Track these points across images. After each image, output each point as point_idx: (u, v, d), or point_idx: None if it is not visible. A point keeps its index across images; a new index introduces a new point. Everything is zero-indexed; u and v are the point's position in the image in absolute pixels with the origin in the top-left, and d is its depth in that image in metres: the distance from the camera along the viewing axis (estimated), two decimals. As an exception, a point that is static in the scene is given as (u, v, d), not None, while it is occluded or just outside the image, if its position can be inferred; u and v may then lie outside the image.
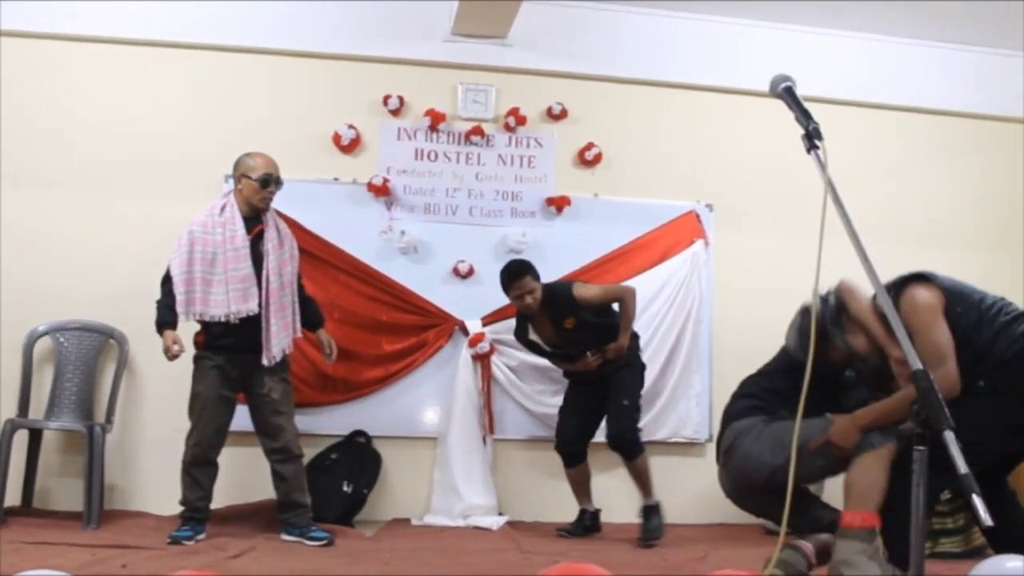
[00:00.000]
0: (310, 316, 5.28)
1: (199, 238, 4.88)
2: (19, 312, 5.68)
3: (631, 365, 5.54)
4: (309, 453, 5.82)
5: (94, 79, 6.15)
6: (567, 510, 5.69)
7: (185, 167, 6.09)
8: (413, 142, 6.41)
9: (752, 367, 6.20)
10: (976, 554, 5.22)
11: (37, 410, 5.68)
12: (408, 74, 6.45)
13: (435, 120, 6.41)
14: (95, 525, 5.25)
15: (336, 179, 6.29)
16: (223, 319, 4.83)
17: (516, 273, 5.44)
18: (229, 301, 4.82)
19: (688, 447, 6.47)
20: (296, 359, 5.87)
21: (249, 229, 4.95)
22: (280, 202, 5.99)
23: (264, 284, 4.90)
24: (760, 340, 5.96)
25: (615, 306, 5.52)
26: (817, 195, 2.45)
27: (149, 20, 6.15)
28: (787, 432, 3.50)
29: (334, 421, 6.03)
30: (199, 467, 4.94)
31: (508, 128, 6.49)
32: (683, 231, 6.61)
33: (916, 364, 2.12)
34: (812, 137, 2.49)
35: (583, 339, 5.48)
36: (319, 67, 6.39)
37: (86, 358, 5.71)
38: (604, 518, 5.76)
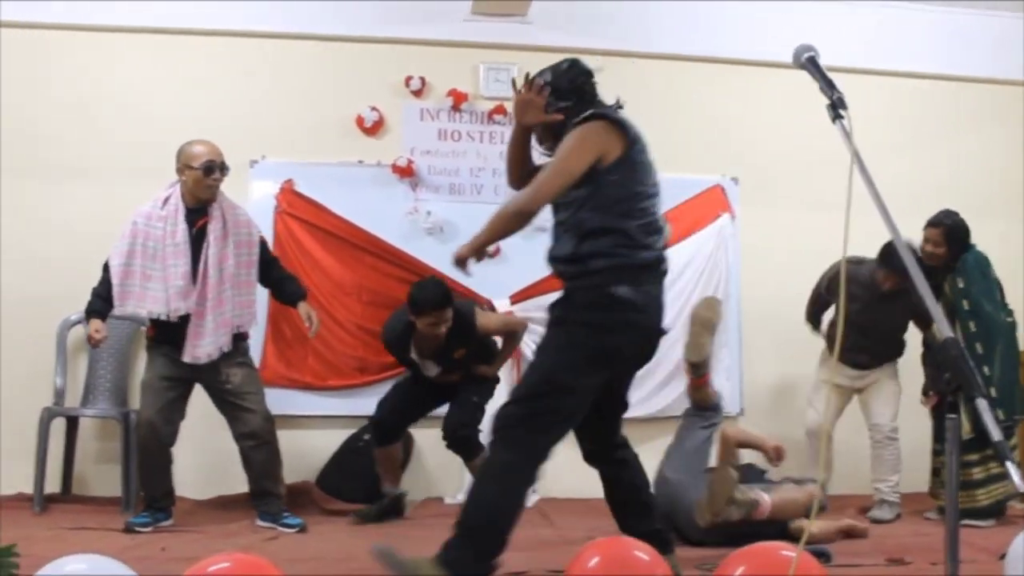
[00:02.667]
0: (286, 294, 5.12)
1: (141, 230, 4.76)
2: (52, 302, 5.72)
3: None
4: (341, 435, 5.95)
5: (121, 66, 6.19)
6: (600, 487, 5.62)
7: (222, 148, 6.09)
8: (436, 122, 6.40)
9: (780, 339, 6.28)
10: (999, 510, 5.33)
11: (73, 398, 5.76)
12: (429, 55, 6.43)
13: (457, 100, 6.40)
14: (133, 510, 5.27)
15: (360, 161, 6.29)
16: (163, 317, 4.73)
17: (441, 303, 5.02)
18: (168, 299, 4.71)
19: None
20: (325, 341, 5.95)
21: (193, 222, 4.80)
22: (306, 186, 6.14)
23: (200, 279, 4.75)
24: (788, 312, 5.99)
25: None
26: (843, 166, 2.42)
27: (170, 7, 6.15)
28: None
29: (366, 402, 5.94)
30: (145, 454, 4.85)
31: (531, 106, 6.43)
32: (709, 205, 6.59)
33: (947, 332, 2.10)
34: (837, 107, 2.47)
35: (461, 365, 5.29)
36: (340, 50, 6.38)
37: (119, 345, 5.75)
38: (579, 492, 5.63)
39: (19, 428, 5.54)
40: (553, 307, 3.33)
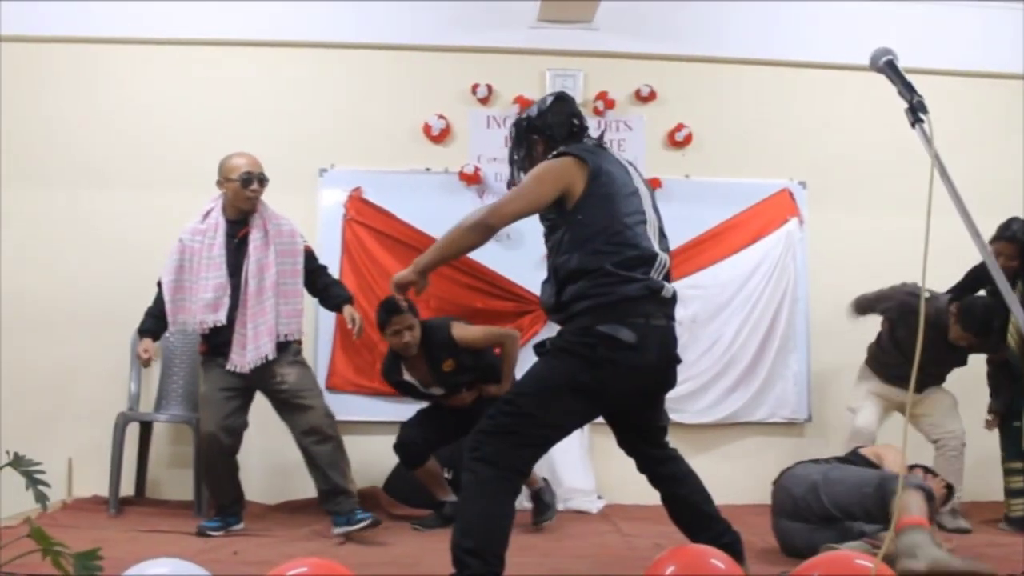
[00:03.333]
0: (332, 299, 5.05)
1: (187, 246, 4.82)
2: (126, 311, 5.65)
3: None
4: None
5: (190, 78, 6.29)
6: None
7: (280, 162, 6.08)
8: (503, 130, 6.35)
9: (849, 346, 6.18)
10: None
11: (147, 404, 5.86)
12: (495, 62, 6.45)
13: (524, 107, 6.33)
14: (204, 513, 5.34)
15: (428, 169, 6.32)
16: (191, 329, 4.87)
17: (392, 309, 5.00)
18: (196, 311, 4.76)
19: (787, 427, 6.40)
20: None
21: (235, 233, 4.83)
22: (374, 194, 6.19)
23: (242, 289, 4.76)
24: (857, 320, 5.90)
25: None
26: (913, 168, 2.41)
27: (242, 19, 6.25)
28: None
29: None
30: (209, 465, 4.88)
31: (597, 112, 6.44)
32: (776, 210, 6.52)
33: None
34: (916, 110, 2.43)
35: (463, 381, 5.24)
36: (407, 59, 6.42)
37: (191, 352, 5.79)
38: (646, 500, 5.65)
39: (96, 433, 5.62)
40: (542, 342, 3.31)
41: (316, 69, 6.37)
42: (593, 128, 6.20)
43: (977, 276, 5.56)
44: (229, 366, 4.76)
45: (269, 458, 5.65)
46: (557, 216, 3.27)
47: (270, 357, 4.75)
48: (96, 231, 6.07)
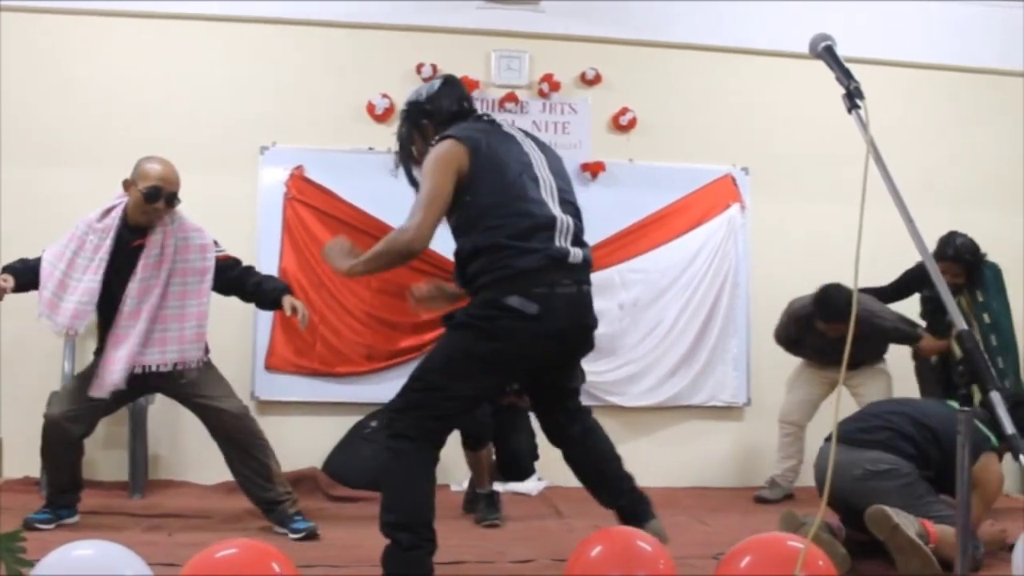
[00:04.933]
0: (267, 297, 4.53)
1: (80, 238, 4.40)
2: None
3: None
4: (348, 422, 5.95)
5: (123, 54, 6.16)
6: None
7: (221, 140, 6.10)
8: None
9: (789, 332, 6.24)
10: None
11: None
12: (441, 42, 6.40)
13: (469, 88, 6.23)
14: (140, 495, 5.33)
15: (371, 148, 6.24)
16: (57, 332, 4.45)
17: None
18: (68, 314, 4.30)
19: (726, 411, 6.45)
20: (334, 328, 6.00)
21: (131, 240, 4.35)
22: (316, 173, 6.12)
23: (118, 304, 4.33)
24: (797, 304, 5.94)
25: None
26: (856, 158, 2.39)
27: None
28: None
29: (373, 390, 6.02)
30: (45, 448, 4.51)
31: (542, 94, 6.44)
32: (719, 195, 6.55)
33: (961, 324, 2.08)
34: (853, 96, 2.43)
35: None
36: (351, 37, 6.35)
37: (128, 330, 5.71)
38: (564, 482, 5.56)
39: (27, 413, 5.39)
40: (450, 314, 3.34)
41: (258, 45, 6.28)
42: (538, 110, 6.37)
43: (913, 277, 5.67)
44: (92, 390, 4.33)
45: (205, 437, 5.56)
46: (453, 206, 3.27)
47: (117, 385, 4.30)
48: (29, 202, 5.92)
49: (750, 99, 6.68)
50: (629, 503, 3.48)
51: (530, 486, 5.79)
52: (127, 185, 4.38)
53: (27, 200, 5.92)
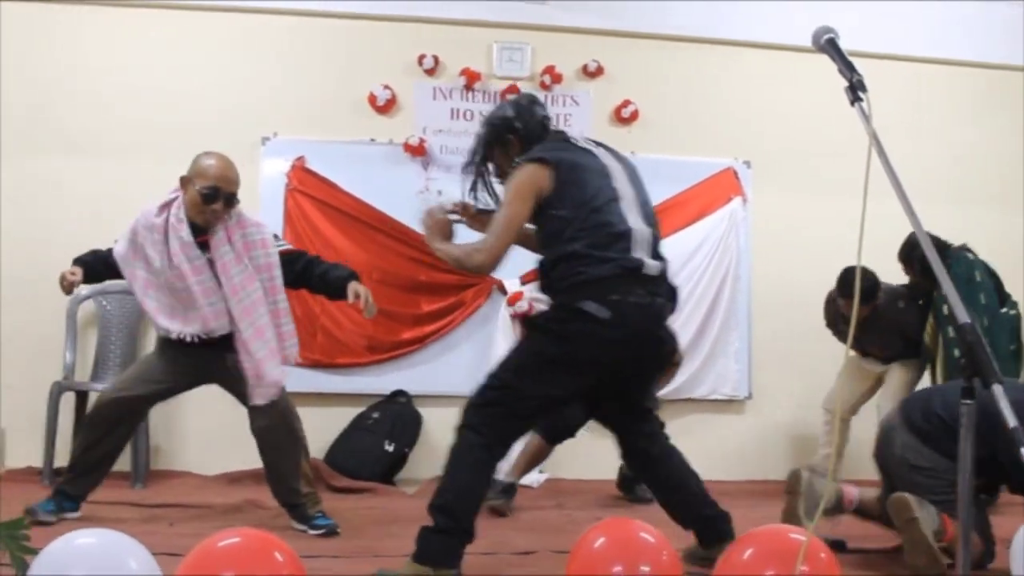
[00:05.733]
0: (333, 284, 4.34)
1: (139, 231, 4.18)
2: None
3: None
4: (350, 413, 5.98)
5: (127, 43, 6.16)
6: (609, 468, 5.51)
7: (222, 130, 6.04)
8: (449, 102, 6.38)
9: (790, 324, 6.26)
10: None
11: (83, 373, 5.79)
12: (443, 33, 6.40)
13: (470, 79, 6.37)
14: (142, 485, 5.36)
15: (372, 140, 6.27)
16: (186, 338, 4.17)
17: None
18: (211, 316, 4.14)
19: (727, 404, 6.48)
20: (335, 319, 6.01)
21: (194, 236, 4.14)
22: (317, 164, 6.14)
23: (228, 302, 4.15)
24: (797, 296, 5.99)
25: None
26: (857, 151, 2.40)
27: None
28: None
29: (375, 381, 6.08)
30: (95, 423, 4.38)
31: (544, 87, 6.43)
32: (720, 188, 6.57)
33: (964, 318, 2.08)
34: (856, 89, 2.43)
35: None
36: (353, 27, 6.35)
37: (129, 321, 5.77)
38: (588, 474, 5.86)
39: (29, 402, 5.56)
40: (530, 317, 3.42)
41: (260, 35, 6.28)
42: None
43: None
44: (256, 399, 4.16)
45: (206, 428, 5.61)
46: (536, 217, 3.37)
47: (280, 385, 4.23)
48: (35, 195, 5.95)
49: (752, 92, 6.69)
50: (715, 521, 3.48)
51: (532, 478, 5.80)
52: (184, 182, 4.13)
53: (28, 190, 5.94)
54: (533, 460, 5.16)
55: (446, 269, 6.02)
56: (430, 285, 6.16)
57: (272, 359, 4.16)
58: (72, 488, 4.35)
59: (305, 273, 4.37)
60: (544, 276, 3.41)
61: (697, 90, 6.65)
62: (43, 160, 5.98)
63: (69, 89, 6.06)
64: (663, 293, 3.39)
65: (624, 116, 6.51)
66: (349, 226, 6.10)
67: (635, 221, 3.34)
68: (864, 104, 2.41)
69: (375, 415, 5.91)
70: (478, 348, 6.16)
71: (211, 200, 4.05)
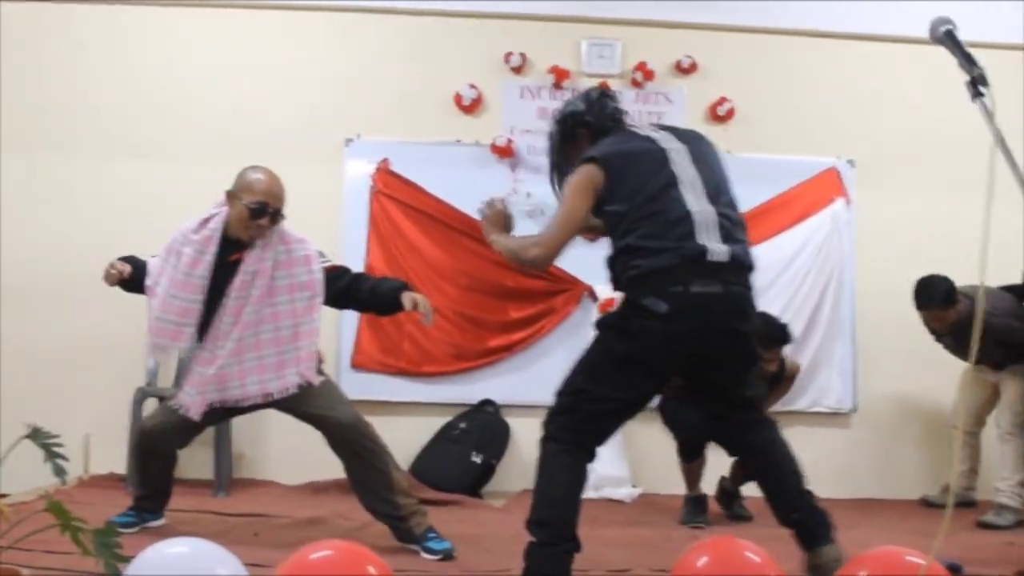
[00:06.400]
0: (384, 299, 4.25)
1: (175, 250, 4.20)
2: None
3: None
4: (437, 423, 6.01)
5: (208, 44, 6.30)
6: (704, 483, 5.42)
7: (305, 132, 6.20)
8: (537, 100, 6.40)
9: (898, 335, 6.15)
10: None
11: (165, 378, 5.87)
12: (530, 30, 6.42)
13: (559, 77, 6.38)
14: (225, 493, 5.45)
15: (458, 141, 6.31)
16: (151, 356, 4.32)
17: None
18: (154, 331, 4.17)
19: (831, 418, 6.36)
20: (423, 328, 5.93)
21: (228, 253, 4.12)
22: (402, 166, 6.17)
23: (215, 325, 4.15)
24: (907, 305, 5.85)
25: None
26: (972, 148, 2.36)
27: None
28: None
29: (461, 390, 6.11)
30: (142, 453, 4.45)
31: (635, 84, 6.42)
32: (822, 189, 6.47)
33: None
34: (977, 84, 2.40)
35: None
36: (438, 25, 6.41)
37: (213, 326, 5.85)
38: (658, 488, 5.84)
39: (112, 411, 5.68)
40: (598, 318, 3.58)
41: (343, 34, 6.37)
42: (631, 100, 6.33)
43: None
44: (174, 405, 4.23)
45: (289, 436, 5.63)
46: (598, 216, 3.43)
47: (277, 393, 4.21)
48: (114, 198, 6.11)
49: (856, 87, 6.58)
50: (804, 522, 3.41)
51: (624, 493, 5.79)
52: (230, 197, 4.12)
53: (105, 189, 6.12)
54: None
55: (535, 275, 6.10)
56: (518, 291, 6.17)
57: (254, 373, 4.15)
58: (149, 504, 4.44)
59: (350, 290, 4.31)
60: (610, 273, 3.44)
61: (796, 85, 6.57)
62: (132, 161, 6.14)
63: (161, 92, 6.21)
64: (741, 280, 3.32)
65: (720, 114, 6.46)
66: (435, 230, 6.15)
67: (697, 204, 3.28)
68: (986, 99, 2.37)
69: (462, 425, 5.95)
70: (569, 356, 5.76)
71: (258, 215, 4.06)
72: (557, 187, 3.64)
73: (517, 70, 6.42)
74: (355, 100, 6.31)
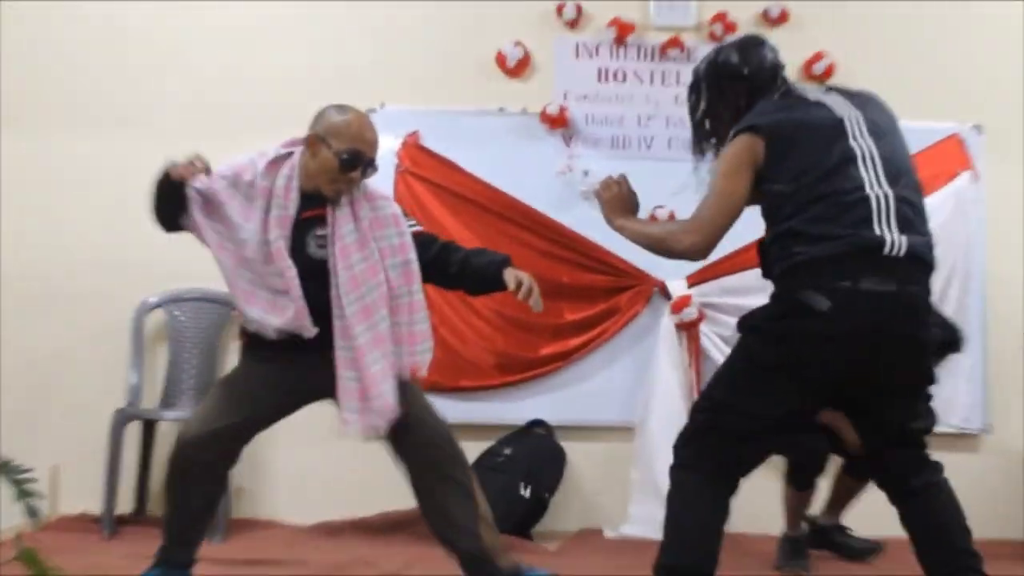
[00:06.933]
0: (482, 273, 4.10)
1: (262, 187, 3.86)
2: (127, 283, 5.71)
3: None
4: (477, 448, 5.74)
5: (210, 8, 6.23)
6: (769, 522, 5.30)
7: (320, 99, 5.79)
8: (595, 60, 6.24)
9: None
10: None
11: (151, 398, 5.80)
12: (587, -24, 6.29)
13: (622, 32, 6.21)
14: (220, 537, 5.29)
15: (502, 109, 6.17)
16: (268, 334, 3.86)
17: None
18: (295, 314, 3.81)
19: (956, 440, 6.01)
20: (458, 332, 5.94)
21: (303, 209, 3.89)
22: (434, 140, 6.10)
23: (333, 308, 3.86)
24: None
25: None
26: None
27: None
28: None
29: (507, 408, 5.97)
30: (180, 474, 4.03)
31: (714, 38, 6.19)
32: (942, 161, 6.20)
33: None
34: None
35: None
36: (479, -27, 6.30)
37: (206, 334, 5.77)
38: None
39: (87, 434, 5.60)
40: (742, 317, 3.42)
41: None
42: None
43: None
44: (348, 428, 3.86)
45: (299, 467, 5.55)
46: (755, 195, 3.34)
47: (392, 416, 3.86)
48: (92, 186, 6.01)
49: (982, 38, 6.36)
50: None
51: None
52: (313, 142, 3.88)
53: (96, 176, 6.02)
54: (845, 496, 5.15)
55: (594, 268, 6.04)
56: (575, 289, 6.01)
57: (388, 376, 3.83)
58: (177, 556, 4.09)
59: (439, 260, 4.12)
60: (762, 261, 3.38)
61: (910, 38, 6.34)
62: (117, 140, 6.04)
63: (153, 53, 6.16)
64: (919, 279, 3.22)
65: (816, 72, 6.22)
66: (473, 216, 6.00)
67: (878, 185, 3.18)
68: None
69: (507, 451, 5.75)
70: (635, 367, 6.00)
71: (350, 166, 3.83)
72: (702, 157, 3.63)
73: (572, 25, 6.27)
74: (377, 62, 6.18)
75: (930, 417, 3.69)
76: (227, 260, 3.85)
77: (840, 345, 3.13)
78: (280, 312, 3.81)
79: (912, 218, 3.20)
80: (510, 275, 4.01)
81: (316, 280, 3.79)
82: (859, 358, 3.17)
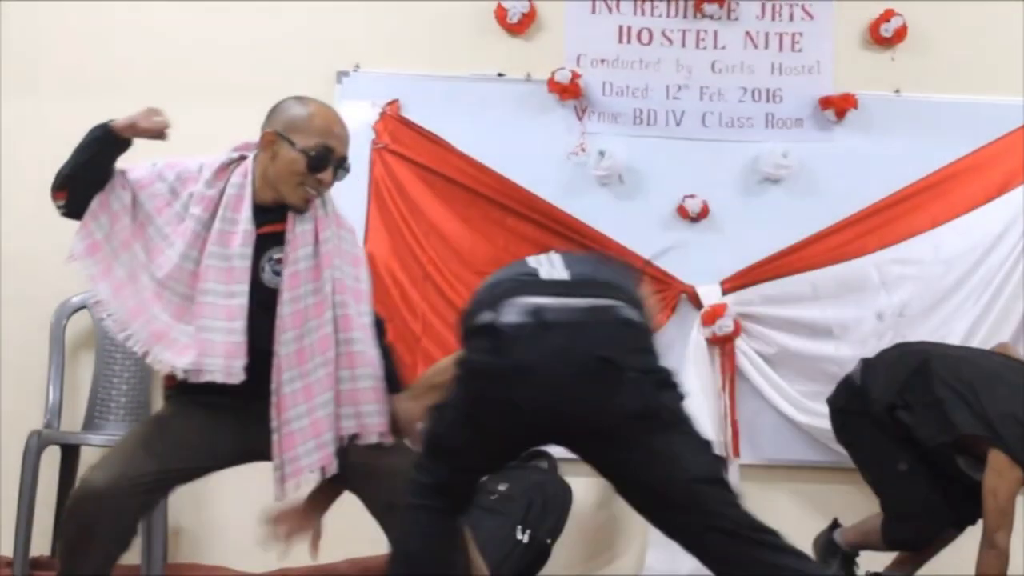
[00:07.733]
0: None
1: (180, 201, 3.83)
2: (47, 280, 5.72)
3: None
4: (463, 484, 5.78)
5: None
6: None
7: (283, 62, 6.10)
8: (615, 16, 6.25)
9: None
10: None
11: (73, 418, 5.82)
12: (606, -86, 6.27)
13: None
14: (163, 583, 5.27)
15: (501, 74, 6.20)
16: (190, 379, 3.78)
17: None
18: (204, 347, 3.73)
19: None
20: (441, 340, 5.92)
21: (258, 223, 3.83)
22: (418, 110, 6.11)
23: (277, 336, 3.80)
24: None
25: None
26: None
27: None
28: None
29: None
30: (80, 525, 3.90)
31: (759, -9, 6.22)
32: (1002, 157, 6.26)
33: None
34: None
35: None
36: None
37: (137, 348, 5.79)
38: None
39: None
40: None
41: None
42: (754, 16, 6.18)
43: None
44: (281, 486, 3.95)
45: (248, 504, 5.53)
46: None
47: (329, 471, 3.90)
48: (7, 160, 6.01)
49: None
50: None
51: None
52: (269, 140, 3.82)
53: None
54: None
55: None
56: None
57: (310, 436, 3.81)
58: None
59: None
60: None
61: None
62: (43, 108, 6.08)
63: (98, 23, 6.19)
64: None
65: (884, 35, 6.26)
66: (464, 203, 6.04)
67: None
68: None
69: (502, 488, 5.74)
70: None
71: (320, 165, 3.79)
72: None
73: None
74: (352, 18, 6.22)
75: (702, 464, 3.47)
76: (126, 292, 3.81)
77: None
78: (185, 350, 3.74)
79: None
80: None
81: (267, 314, 3.76)
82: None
